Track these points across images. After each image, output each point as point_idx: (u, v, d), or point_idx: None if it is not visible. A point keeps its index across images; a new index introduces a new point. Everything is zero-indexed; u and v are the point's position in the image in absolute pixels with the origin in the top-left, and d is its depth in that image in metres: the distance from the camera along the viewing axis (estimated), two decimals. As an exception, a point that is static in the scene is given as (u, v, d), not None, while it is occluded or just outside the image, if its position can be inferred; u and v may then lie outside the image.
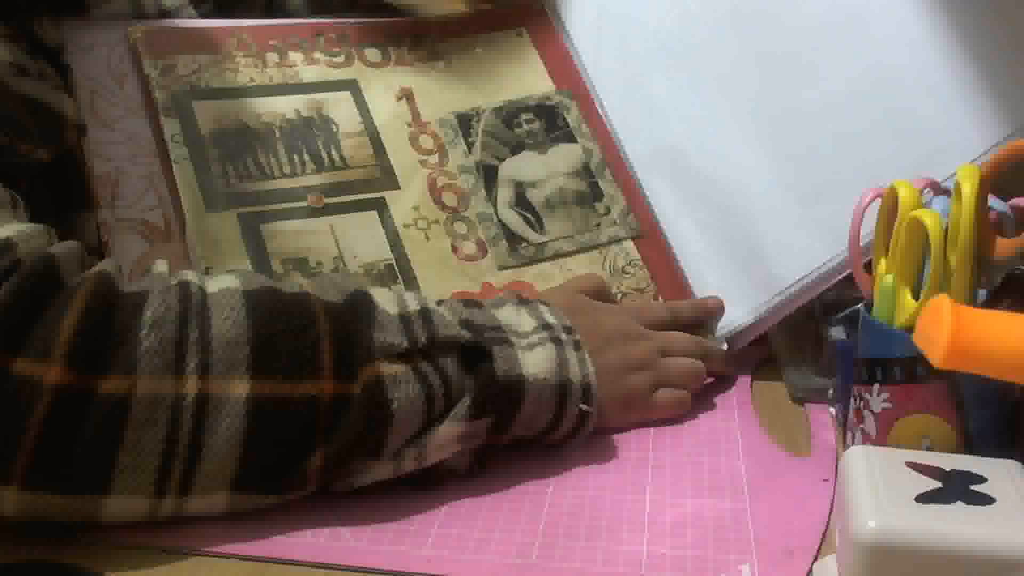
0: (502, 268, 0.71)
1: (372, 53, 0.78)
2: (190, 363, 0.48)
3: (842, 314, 0.66)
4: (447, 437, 0.53)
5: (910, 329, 0.50)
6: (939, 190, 0.57)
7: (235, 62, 0.73)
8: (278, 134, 0.71)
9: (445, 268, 0.69)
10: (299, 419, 0.50)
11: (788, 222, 0.69)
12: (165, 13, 0.77)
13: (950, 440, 0.52)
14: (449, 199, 0.73)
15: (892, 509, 0.42)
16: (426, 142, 0.75)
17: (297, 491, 0.51)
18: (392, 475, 0.53)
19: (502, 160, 0.76)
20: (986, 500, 0.43)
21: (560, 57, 0.82)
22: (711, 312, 0.70)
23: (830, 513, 0.53)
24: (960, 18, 0.65)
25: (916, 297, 0.53)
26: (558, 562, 0.49)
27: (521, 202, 0.74)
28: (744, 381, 0.69)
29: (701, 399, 0.66)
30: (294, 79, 0.74)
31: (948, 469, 0.46)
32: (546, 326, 0.58)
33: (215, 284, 0.52)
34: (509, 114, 0.78)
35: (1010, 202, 0.55)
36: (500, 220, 0.73)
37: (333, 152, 0.72)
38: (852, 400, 0.57)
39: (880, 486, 0.44)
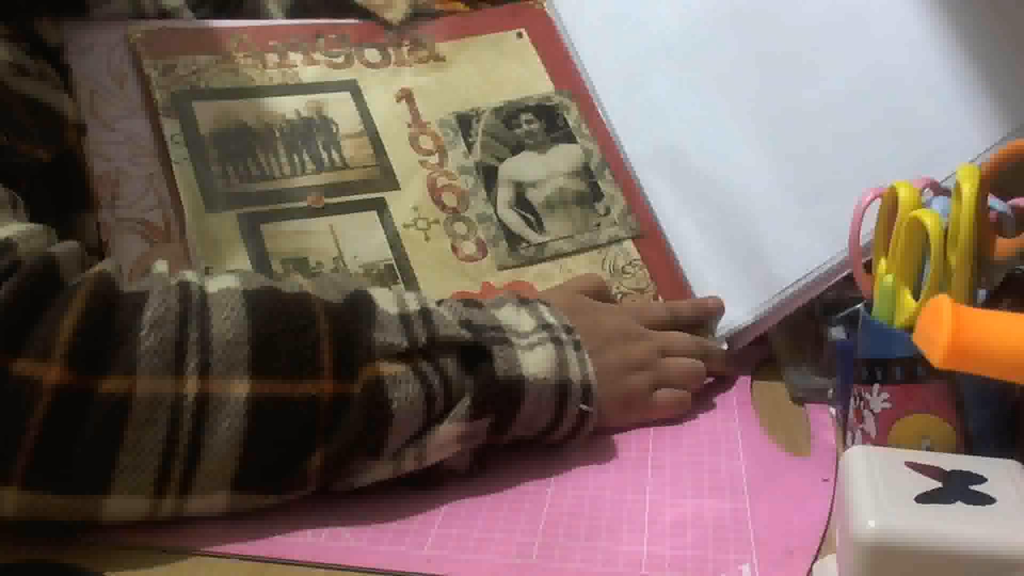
0: (502, 268, 0.71)
1: (372, 54, 0.78)
2: (190, 363, 0.48)
3: (842, 314, 0.66)
4: (447, 437, 0.53)
5: (910, 329, 0.50)
6: (939, 190, 0.57)
7: (235, 63, 0.73)
8: (278, 134, 0.71)
9: (445, 268, 0.69)
10: (299, 419, 0.50)
11: (788, 222, 0.69)
12: (164, 14, 0.77)
13: (950, 440, 0.52)
14: (449, 199, 0.73)
15: (892, 509, 0.42)
16: (426, 142, 0.75)
17: (297, 491, 0.51)
18: (392, 475, 0.53)
19: (502, 160, 0.76)
20: (986, 500, 0.43)
21: (560, 57, 0.82)
22: (711, 312, 0.70)
23: (830, 513, 0.53)
24: (960, 18, 0.65)
25: (916, 297, 0.53)
26: (558, 562, 0.49)
27: (521, 202, 0.74)
28: (744, 381, 0.69)
29: (701, 399, 0.66)
30: (294, 80, 0.74)
31: (948, 469, 0.46)
32: (546, 326, 0.58)
33: (215, 284, 0.52)
34: (509, 114, 0.78)
35: (1010, 202, 0.55)
36: (500, 220, 0.73)
37: (333, 152, 0.72)
38: (852, 400, 0.56)
39: (880, 486, 0.44)
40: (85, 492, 0.47)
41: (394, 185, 0.72)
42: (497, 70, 0.80)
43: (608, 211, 0.75)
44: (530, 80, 0.80)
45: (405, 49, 0.79)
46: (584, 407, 0.57)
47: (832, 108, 0.69)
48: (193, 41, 0.73)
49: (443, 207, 0.72)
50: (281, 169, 0.70)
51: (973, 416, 0.51)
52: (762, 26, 0.74)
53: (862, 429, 0.55)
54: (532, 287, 0.70)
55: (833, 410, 0.64)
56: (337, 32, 0.78)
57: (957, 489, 0.44)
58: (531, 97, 0.79)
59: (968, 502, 0.43)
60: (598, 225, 0.74)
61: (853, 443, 0.56)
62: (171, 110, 0.70)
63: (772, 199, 0.70)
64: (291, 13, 0.84)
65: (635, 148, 0.78)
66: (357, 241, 0.68)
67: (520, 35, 0.83)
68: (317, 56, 0.76)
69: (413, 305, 0.55)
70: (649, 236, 0.75)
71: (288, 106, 0.73)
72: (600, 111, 0.80)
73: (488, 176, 0.74)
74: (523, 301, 0.60)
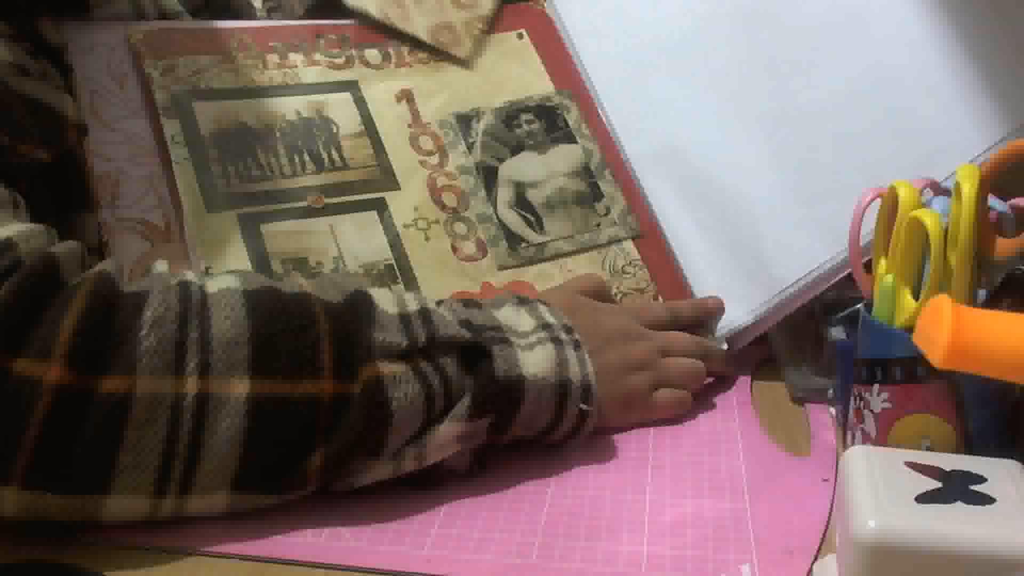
0: (502, 268, 0.71)
1: (372, 54, 0.78)
2: (190, 363, 0.48)
3: (842, 314, 0.66)
4: (447, 437, 0.53)
5: (910, 329, 0.50)
6: (939, 190, 0.57)
7: (236, 63, 0.73)
8: (278, 135, 0.71)
9: (445, 268, 0.69)
10: (299, 419, 0.50)
11: (788, 222, 0.69)
12: (164, 16, 0.77)
13: (950, 440, 0.52)
14: (449, 199, 0.73)
15: (892, 509, 0.42)
16: (426, 143, 0.75)
17: (297, 491, 0.51)
18: (392, 475, 0.53)
19: (502, 160, 0.76)
20: (986, 500, 0.43)
21: (560, 57, 0.82)
22: (711, 312, 0.70)
23: (830, 513, 0.53)
24: (960, 18, 0.65)
25: (916, 297, 0.53)
26: (558, 562, 0.49)
27: (521, 202, 0.74)
28: (744, 381, 0.69)
29: (701, 399, 0.66)
30: (295, 80, 0.74)
31: (948, 469, 0.46)
32: (546, 326, 0.58)
33: (215, 284, 0.52)
34: (509, 115, 0.78)
35: (1010, 202, 0.55)
36: (500, 220, 0.73)
37: (333, 152, 0.72)
38: (852, 400, 0.56)
39: (880, 486, 0.44)
40: (85, 492, 0.47)
41: (394, 185, 0.72)
42: (497, 70, 0.80)
43: (608, 211, 0.75)
44: (530, 80, 0.80)
45: (405, 49, 0.79)
46: (584, 407, 0.57)
47: (832, 108, 0.69)
48: (194, 41, 0.74)
49: (443, 207, 0.72)
50: (281, 169, 0.70)
51: (973, 416, 0.51)
52: (762, 26, 0.74)
53: (862, 429, 0.55)
54: (532, 287, 0.70)
55: (833, 410, 0.64)
56: (337, 33, 0.78)
57: (957, 489, 0.44)
58: (531, 97, 0.79)
59: (968, 502, 0.43)
60: (598, 225, 0.74)
61: (853, 443, 0.56)
62: (171, 110, 0.70)
63: (772, 199, 0.70)
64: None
65: (635, 148, 0.78)
66: (357, 241, 0.68)
67: (521, 36, 0.83)
68: (317, 56, 0.76)
69: (413, 305, 0.55)
70: (649, 236, 0.75)
71: (288, 106, 0.73)
72: (600, 111, 0.80)
73: (488, 176, 0.74)
74: (523, 301, 0.60)
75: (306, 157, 0.71)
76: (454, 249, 0.70)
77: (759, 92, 0.73)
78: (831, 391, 0.65)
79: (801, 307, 0.68)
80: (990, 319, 0.42)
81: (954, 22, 0.65)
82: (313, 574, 0.49)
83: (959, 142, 0.63)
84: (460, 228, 0.72)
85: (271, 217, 0.67)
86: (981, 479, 0.45)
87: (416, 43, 0.79)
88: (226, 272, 0.55)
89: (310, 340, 0.51)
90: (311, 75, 0.75)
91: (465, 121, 0.77)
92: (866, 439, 0.55)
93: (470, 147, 0.75)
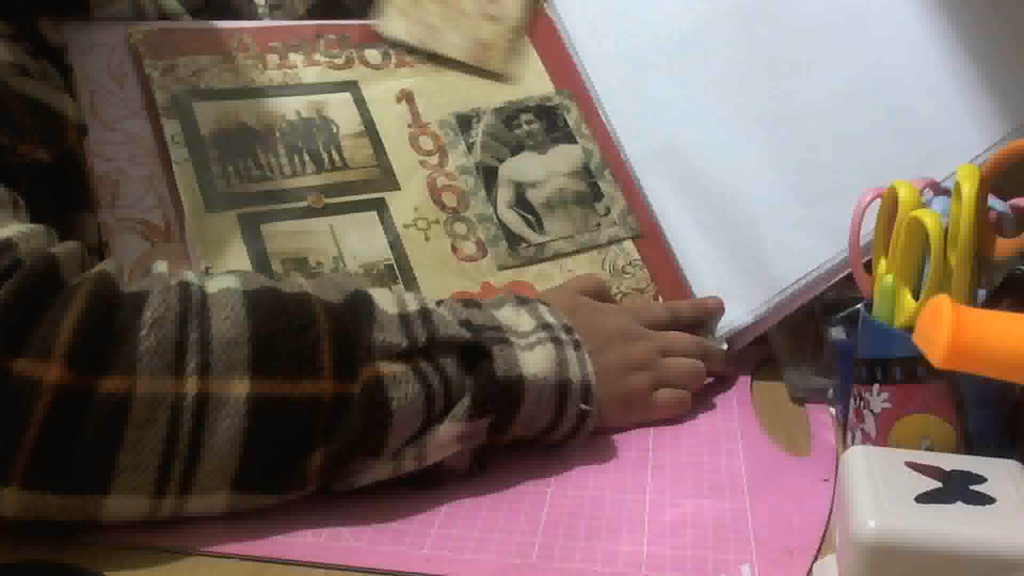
0: (502, 268, 0.71)
1: (372, 54, 0.78)
2: (190, 363, 0.48)
3: (842, 314, 0.66)
4: (447, 437, 0.53)
5: (910, 329, 0.50)
6: (939, 190, 0.57)
7: (236, 63, 0.73)
8: (278, 135, 0.71)
9: (445, 268, 0.69)
10: (299, 419, 0.50)
11: (788, 222, 0.69)
12: (164, 17, 0.77)
13: (950, 440, 0.52)
14: (449, 199, 0.73)
15: (892, 509, 0.42)
16: (426, 143, 0.75)
17: (297, 491, 0.51)
18: (392, 475, 0.53)
19: (502, 161, 0.76)
20: (986, 500, 0.43)
21: (560, 57, 0.82)
22: (711, 312, 0.70)
23: (830, 513, 0.53)
24: (960, 18, 0.65)
25: (916, 297, 0.53)
26: (558, 562, 0.49)
27: (521, 202, 0.74)
28: (744, 381, 0.69)
29: (701, 399, 0.66)
30: (295, 80, 0.74)
31: (948, 469, 0.46)
32: (546, 326, 0.58)
33: (215, 284, 0.52)
34: (509, 115, 0.78)
35: (1010, 202, 0.55)
36: (500, 220, 0.73)
37: (333, 153, 0.72)
38: (852, 400, 0.56)
39: (880, 486, 0.44)
40: (85, 492, 0.47)
41: (394, 185, 0.72)
42: (497, 70, 0.80)
43: (608, 211, 0.75)
44: (530, 80, 0.80)
45: (405, 50, 0.79)
46: (584, 407, 0.57)
47: (832, 108, 0.69)
48: (194, 42, 0.74)
49: (443, 207, 0.72)
50: (281, 169, 0.70)
51: (973, 416, 0.51)
52: (762, 26, 0.74)
53: (862, 429, 0.55)
54: (532, 287, 0.70)
55: (833, 410, 0.64)
56: (337, 33, 0.78)
57: (957, 489, 0.44)
58: (531, 97, 0.79)
59: (968, 502, 0.43)
60: (598, 225, 0.74)
61: (853, 443, 0.56)
62: (171, 110, 0.70)
63: (772, 199, 0.70)
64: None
65: (635, 148, 0.78)
66: (357, 241, 0.68)
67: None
68: (317, 57, 0.76)
69: (413, 305, 0.55)
70: (649, 236, 0.75)
71: (288, 106, 0.73)
72: (600, 111, 0.80)
73: (488, 176, 0.74)
74: (523, 301, 0.60)
75: (306, 157, 0.71)
76: (454, 249, 0.70)
77: (759, 92, 0.73)
78: (831, 391, 0.65)
79: (801, 307, 0.68)
80: (990, 319, 0.42)
81: (954, 22, 0.65)
82: (313, 574, 0.49)
83: (959, 142, 0.63)
84: (460, 228, 0.72)
85: (271, 217, 0.67)
86: (981, 479, 0.45)
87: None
88: (226, 272, 0.55)
89: (310, 340, 0.51)
90: (311, 75, 0.75)
91: (465, 121, 0.77)
92: (866, 439, 0.55)
93: (470, 147, 0.75)
